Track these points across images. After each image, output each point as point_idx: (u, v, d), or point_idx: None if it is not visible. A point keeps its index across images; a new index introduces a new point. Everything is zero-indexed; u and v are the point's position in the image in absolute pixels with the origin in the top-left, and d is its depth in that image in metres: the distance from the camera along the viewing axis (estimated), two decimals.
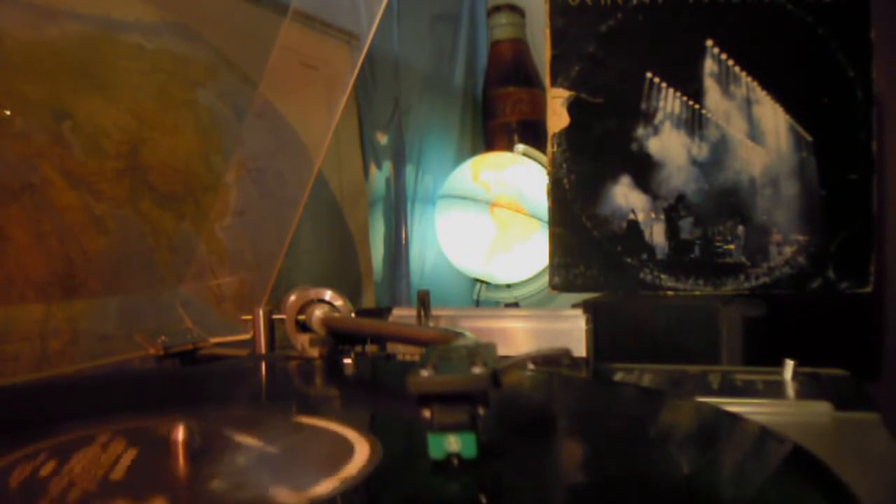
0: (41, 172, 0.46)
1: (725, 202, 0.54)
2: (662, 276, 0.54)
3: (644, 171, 0.54)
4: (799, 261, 0.53)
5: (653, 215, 0.54)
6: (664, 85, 0.54)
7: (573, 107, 0.55)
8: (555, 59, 0.55)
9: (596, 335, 0.46)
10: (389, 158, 0.88)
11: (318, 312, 0.45)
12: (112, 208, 0.50)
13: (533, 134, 0.96)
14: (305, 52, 0.65)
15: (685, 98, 0.54)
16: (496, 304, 0.90)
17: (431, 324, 0.46)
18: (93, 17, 0.50)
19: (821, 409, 0.37)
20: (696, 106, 0.54)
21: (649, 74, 0.54)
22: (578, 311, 0.46)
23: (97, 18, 0.50)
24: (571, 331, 0.45)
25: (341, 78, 0.66)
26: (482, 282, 0.90)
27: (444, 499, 0.23)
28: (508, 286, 0.89)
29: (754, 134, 0.53)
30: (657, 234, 0.54)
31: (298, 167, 0.64)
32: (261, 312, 0.47)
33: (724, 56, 0.53)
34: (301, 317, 0.45)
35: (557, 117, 0.55)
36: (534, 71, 1.01)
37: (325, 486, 0.23)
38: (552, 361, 0.39)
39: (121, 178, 0.51)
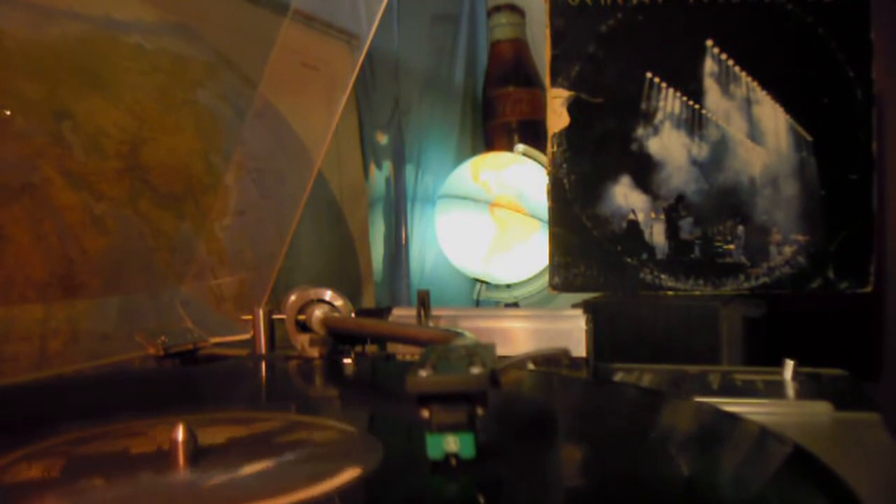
0: (41, 172, 0.46)
1: (725, 202, 0.54)
2: (662, 276, 0.54)
3: (644, 171, 0.54)
4: (799, 261, 0.52)
5: (653, 215, 0.54)
6: (664, 85, 0.54)
7: (573, 107, 0.55)
8: (555, 59, 0.55)
9: (596, 335, 0.46)
10: (389, 158, 0.88)
11: (318, 312, 0.45)
12: (112, 208, 0.50)
13: (533, 134, 0.96)
14: (305, 52, 0.65)
15: (685, 98, 0.54)
16: (496, 304, 0.90)
17: (431, 324, 0.46)
18: (93, 17, 0.50)
19: (821, 409, 0.37)
20: (696, 106, 0.54)
21: (649, 74, 0.54)
22: (578, 311, 0.46)
23: (97, 18, 0.50)
24: (571, 331, 0.45)
25: (341, 78, 0.66)
26: (482, 282, 0.90)
27: (442, 499, 0.23)
28: (508, 286, 0.89)
29: (754, 134, 0.53)
30: (657, 234, 0.54)
31: (298, 167, 0.64)
32: (261, 312, 0.47)
33: (724, 56, 0.53)
34: (301, 317, 0.45)
35: (557, 117, 0.55)
36: (534, 71, 1.01)
37: (324, 486, 0.23)
38: (551, 361, 0.39)
39: (121, 178, 0.51)
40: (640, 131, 0.54)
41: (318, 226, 0.73)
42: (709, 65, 0.53)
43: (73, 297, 0.48)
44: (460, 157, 0.98)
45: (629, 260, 0.54)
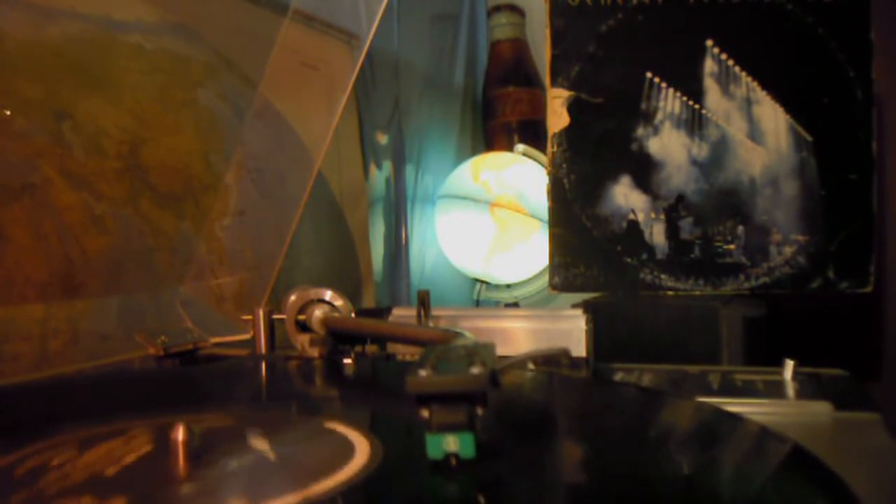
0: (41, 172, 0.46)
1: (725, 202, 0.54)
2: (662, 276, 0.54)
3: (644, 171, 0.54)
4: (799, 261, 0.52)
5: (653, 215, 0.54)
6: (664, 85, 0.54)
7: (573, 107, 0.55)
8: (555, 59, 0.55)
9: (596, 335, 0.46)
10: (389, 158, 0.88)
11: (318, 312, 0.45)
12: (112, 208, 0.50)
13: (533, 134, 0.96)
14: (305, 52, 0.65)
15: (685, 98, 0.54)
16: (496, 304, 0.90)
17: (431, 324, 0.46)
18: (93, 17, 0.50)
19: (821, 409, 0.37)
20: (696, 106, 0.54)
21: (649, 74, 0.54)
22: (578, 311, 0.46)
23: (97, 18, 0.50)
24: (571, 331, 0.45)
25: (341, 78, 0.66)
26: (482, 282, 0.90)
27: (442, 499, 0.23)
28: (508, 286, 0.89)
29: (754, 134, 0.53)
30: (657, 234, 0.54)
31: (298, 167, 0.64)
32: (261, 312, 0.47)
33: (724, 56, 0.53)
34: (301, 317, 0.45)
35: (557, 117, 0.55)
36: (534, 71, 1.01)
37: (325, 486, 0.23)
38: (551, 361, 0.39)
39: (121, 178, 0.51)
40: (640, 131, 0.54)
41: (318, 226, 0.73)
42: (709, 65, 0.53)
43: (73, 297, 0.48)
44: (460, 157, 0.98)
45: (629, 260, 0.54)
